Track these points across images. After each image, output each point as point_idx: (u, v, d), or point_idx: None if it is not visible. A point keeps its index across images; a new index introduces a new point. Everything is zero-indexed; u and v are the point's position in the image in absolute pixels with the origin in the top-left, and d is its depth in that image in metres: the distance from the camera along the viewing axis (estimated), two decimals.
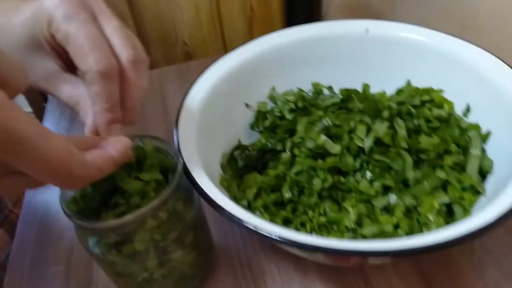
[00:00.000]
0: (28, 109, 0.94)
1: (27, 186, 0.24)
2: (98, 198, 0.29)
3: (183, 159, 0.32)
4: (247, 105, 0.47)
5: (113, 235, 0.29)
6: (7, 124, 0.18)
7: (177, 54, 0.97)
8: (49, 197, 0.49)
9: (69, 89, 0.28)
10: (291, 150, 0.42)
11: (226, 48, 1.01)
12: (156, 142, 0.32)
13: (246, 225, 0.28)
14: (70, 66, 0.29)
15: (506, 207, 0.28)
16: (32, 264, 0.42)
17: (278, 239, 0.27)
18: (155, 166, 0.30)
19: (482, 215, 0.28)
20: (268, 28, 0.97)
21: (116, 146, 0.25)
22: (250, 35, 0.99)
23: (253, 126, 0.47)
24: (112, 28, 0.28)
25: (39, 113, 1.00)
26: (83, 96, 0.28)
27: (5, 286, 0.41)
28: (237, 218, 0.28)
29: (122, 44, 0.27)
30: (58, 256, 0.42)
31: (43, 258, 0.43)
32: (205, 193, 0.30)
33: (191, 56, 0.98)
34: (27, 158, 0.20)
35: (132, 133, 0.31)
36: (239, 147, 0.44)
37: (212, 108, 0.42)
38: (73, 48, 0.26)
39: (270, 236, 0.27)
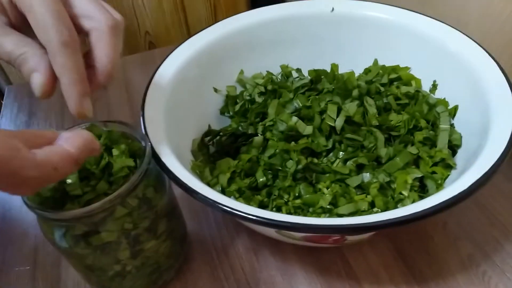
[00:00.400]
0: None
1: None
2: (61, 187, 0.27)
3: (151, 143, 0.30)
4: (215, 90, 0.46)
5: (81, 226, 0.27)
6: None
7: (140, 44, 0.94)
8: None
9: (13, 40, 0.26)
10: (263, 133, 0.41)
11: (190, 34, 0.98)
12: (121, 127, 0.30)
13: (224, 207, 0.27)
14: (15, 27, 0.27)
15: (477, 178, 0.28)
16: None
17: (260, 219, 0.26)
18: (125, 152, 0.28)
19: (454, 187, 0.28)
20: (232, 13, 0.95)
21: (75, 141, 0.23)
22: (214, 20, 0.97)
23: (223, 111, 0.46)
24: None
25: None
26: (30, 49, 0.25)
27: None
28: (214, 201, 0.27)
29: (97, 11, 0.26)
30: (23, 256, 0.40)
31: (7, 259, 0.40)
32: (177, 177, 0.29)
33: (154, 46, 0.95)
34: None
35: (96, 119, 0.30)
36: (210, 132, 0.43)
37: (178, 93, 0.40)
38: (33, 17, 0.25)
39: (250, 216, 0.26)
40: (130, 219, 0.28)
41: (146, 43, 0.95)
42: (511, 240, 0.37)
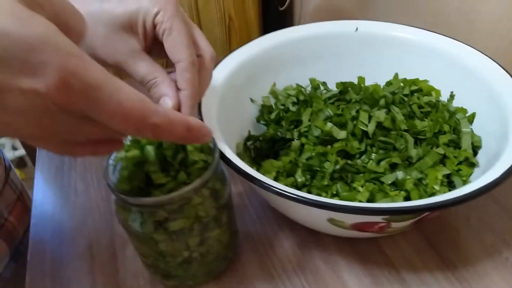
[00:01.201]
0: None
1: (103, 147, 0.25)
2: (144, 177, 0.31)
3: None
4: (252, 100, 0.50)
5: (162, 212, 0.31)
6: (83, 73, 0.19)
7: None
8: (58, 202, 0.50)
9: (147, 66, 0.32)
10: (298, 138, 0.46)
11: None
12: None
13: (289, 194, 0.31)
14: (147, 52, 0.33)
15: (499, 175, 0.32)
16: (52, 262, 0.43)
17: (315, 201, 0.30)
18: (198, 149, 0.33)
19: (481, 181, 0.32)
20: (245, 36, 1.01)
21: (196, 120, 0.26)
22: (229, 42, 1.03)
23: (258, 119, 0.50)
24: (197, 30, 0.34)
25: None
26: (160, 75, 0.32)
27: (27, 286, 0.41)
28: (279, 188, 0.31)
29: (206, 44, 0.34)
30: (78, 251, 0.43)
31: (63, 254, 0.43)
32: (243, 170, 0.33)
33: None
34: (104, 106, 0.21)
35: None
36: (251, 137, 0.47)
37: (225, 101, 0.44)
38: (172, 40, 0.31)
39: (307, 199, 0.30)
40: (202, 208, 0.32)
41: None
42: None
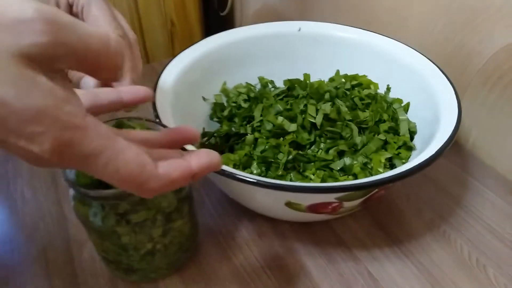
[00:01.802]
0: None
1: None
2: None
3: None
4: (204, 99, 0.52)
5: (123, 204, 0.31)
6: (77, 145, 0.19)
7: None
8: (4, 210, 0.48)
9: None
10: (252, 133, 0.47)
11: (148, 60, 1.03)
12: (148, 124, 0.35)
13: (247, 178, 0.32)
14: None
15: (432, 153, 0.36)
16: (5, 269, 0.41)
17: (275, 184, 0.32)
18: None
19: (416, 160, 0.36)
20: (188, 41, 1.02)
21: (201, 160, 0.24)
22: (172, 47, 1.03)
23: (212, 117, 0.52)
24: (117, 12, 0.33)
25: None
26: None
27: None
28: (231, 172, 0.33)
29: (128, 28, 0.33)
30: (32, 258, 0.42)
31: (17, 263, 0.41)
32: None
33: None
34: (99, 171, 0.21)
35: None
36: (205, 134, 0.48)
37: (177, 100, 0.45)
38: (93, 15, 0.30)
39: (267, 183, 0.32)
40: (165, 198, 0.33)
41: None
42: (460, 206, 0.46)
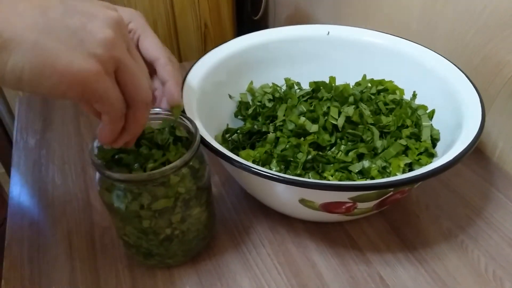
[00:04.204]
0: None
1: None
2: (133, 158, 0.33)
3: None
4: (230, 96, 0.53)
5: (145, 191, 0.33)
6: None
7: None
8: (36, 193, 0.50)
9: None
10: (274, 132, 0.48)
11: (181, 61, 1.06)
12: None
13: (258, 171, 0.33)
14: None
15: (449, 159, 0.36)
16: (30, 249, 0.43)
17: (288, 179, 0.33)
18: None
19: (432, 164, 0.36)
20: (220, 43, 1.04)
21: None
22: (204, 49, 1.05)
23: (236, 114, 0.53)
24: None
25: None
26: None
27: (5, 272, 0.42)
28: (252, 167, 0.34)
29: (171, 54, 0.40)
30: (57, 240, 0.44)
31: (42, 244, 0.44)
32: (221, 152, 0.35)
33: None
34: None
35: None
36: (229, 130, 0.49)
37: (203, 96, 0.47)
38: (150, 42, 0.39)
39: (281, 177, 0.33)
40: (182, 185, 0.34)
41: None
42: (480, 217, 0.45)
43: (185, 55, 1.05)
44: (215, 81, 0.50)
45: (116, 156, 0.34)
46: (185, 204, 0.35)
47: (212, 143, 0.37)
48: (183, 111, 0.41)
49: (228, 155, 0.36)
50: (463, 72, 0.46)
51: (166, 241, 0.36)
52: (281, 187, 0.37)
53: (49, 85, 0.25)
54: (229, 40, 0.54)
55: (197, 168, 0.35)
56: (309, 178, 0.44)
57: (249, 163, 0.35)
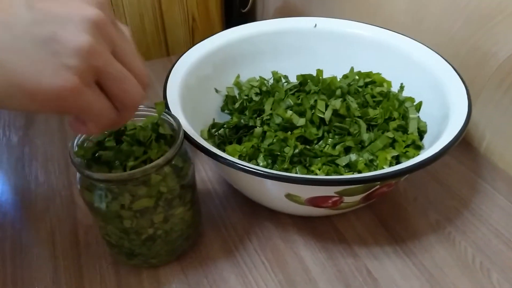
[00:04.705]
0: None
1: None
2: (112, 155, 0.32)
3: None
4: (216, 90, 0.52)
5: (126, 191, 0.32)
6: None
7: None
8: (19, 191, 0.49)
9: None
10: (261, 126, 0.48)
11: (169, 55, 1.04)
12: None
13: (247, 168, 0.33)
14: None
15: (437, 149, 0.35)
16: (13, 248, 0.42)
17: (273, 175, 0.32)
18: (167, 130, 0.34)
19: (418, 157, 0.35)
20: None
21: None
22: (192, 43, 1.04)
23: (223, 109, 0.52)
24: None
25: None
26: None
27: None
28: (236, 162, 0.33)
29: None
30: (40, 238, 0.43)
31: (24, 241, 0.43)
32: (206, 148, 0.35)
33: None
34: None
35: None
36: (215, 125, 0.49)
37: (189, 91, 0.46)
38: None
39: (266, 173, 0.32)
40: (164, 184, 0.33)
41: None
42: (468, 209, 0.45)
43: (173, 49, 1.04)
44: (200, 75, 0.49)
45: (96, 154, 0.33)
46: (168, 203, 0.34)
47: (196, 139, 0.36)
48: (168, 108, 0.40)
49: (213, 151, 0.35)
50: (449, 64, 0.46)
51: (149, 241, 0.36)
52: (266, 182, 0.36)
53: (20, 105, 0.23)
54: (217, 33, 0.54)
55: (180, 166, 0.35)
56: (296, 172, 0.43)
57: (234, 159, 0.34)
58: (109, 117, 0.27)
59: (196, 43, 0.52)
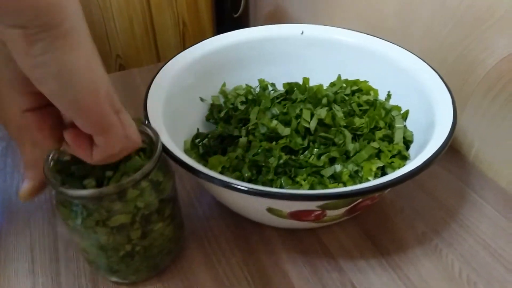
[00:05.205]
0: None
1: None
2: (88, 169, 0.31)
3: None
4: (201, 99, 0.51)
5: (101, 208, 0.31)
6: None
7: (111, 66, 0.98)
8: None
9: None
10: (246, 136, 0.47)
11: (159, 60, 1.03)
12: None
13: (228, 183, 0.32)
14: None
15: (419, 163, 0.35)
16: None
17: (251, 190, 0.31)
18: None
19: (404, 169, 0.34)
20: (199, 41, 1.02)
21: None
22: (183, 47, 1.03)
23: (208, 118, 0.51)
24: None
25: None
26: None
27: None
28: (218, 178, 0.32)
29: None
30: (19, 253, 0.42)
31: (3, 257, 0.42)
32: (185, 162, 0.34)
33: (124, 68, 0.99)
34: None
35: None
36: (199, 135, 0.48)
37: (172, 100, 0.45)
38: None
39: (244, 188, 0.31)
40: (142, 199, 0.33)
41: (116, 65, 0.99)
42: (455, 220, 0.44)
43: (163, 54, 1.03)
44: (184, 84, 0.48)
45: (72, 168, 0.32)
46: (145, 219, 0.33)
47: (175, 153, 0.35)
48: (147, 119, 0.39)
49: (191, 165, 0.34)
50: (436, 72, 0.45)
51: (127, 257, 0.35)
52: (247, 196, 0.35)
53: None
54: (208, 36, 0.53)
55: (160, 180, 0.34)
56: (281, 183, 0.43)
57: (212, 173, 0.34)
58: (120, 145, 0.28)
59: (187, 48, 0.51)
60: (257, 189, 0.32)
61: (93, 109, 0.25)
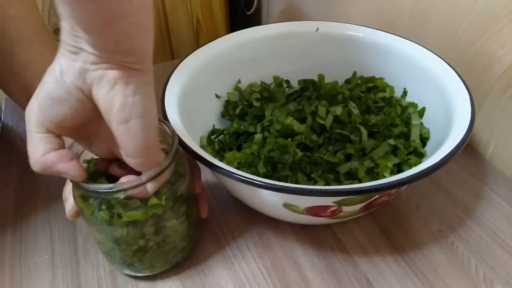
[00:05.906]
0: None
1: None
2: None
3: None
4: (217, 96, 0.52)
5: (119, 199, 0.32)
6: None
7: None
8: (25, 196, 0.49)
9: None
10: (261, 132, 0.47)
11: (173, 57, 1.04)
12: None
13: (245, 178, 0.32)
14: None
15: (437, 159, 0.34)
16: (12, 256, 0.42)
17: (269, 185, 0.32)
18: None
19: (420, 166, 0.34)
20: (213, 38, 1.03)
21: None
22: (197, 45, 1.04)
23: (223, 114, 0.52)
24: None
25: None
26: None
27: None
28: (232, 172, 0.33)
29: None
30: (39, 247, 0.43)
31: (23, 250, 0.43)
32: (202, 157, 0.34)
33: None
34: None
35: None
36: (215, 131, 0.48)
37: (188, 97, 0.45)
38: None
39: (261, 183, 0.32)
40: (156, 196, 0.33)
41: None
42: (471, 217, 0.44)
43: (177, 51, 1.04)
44: (200, 81, 0.49)
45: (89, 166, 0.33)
46: (158, 216, 0.34)
47: (192, 147, 0.36)
48: (165, 116, 0.40)
49: (209, 160, 0.34)
50: (453, 69, 0.45)
51: (140, 252, 0.35)
52: (263, 192, 0.36)
53: None
54: (222, 35, 0.53)
55: (174, 179, 0.34)
56: (296, 179, 0.43)
57: (230, 168, 0.34)
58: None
59: (201, 46, 0.51)
60: (275, 184, 0.32)
61: (155, 148, 0.30)
